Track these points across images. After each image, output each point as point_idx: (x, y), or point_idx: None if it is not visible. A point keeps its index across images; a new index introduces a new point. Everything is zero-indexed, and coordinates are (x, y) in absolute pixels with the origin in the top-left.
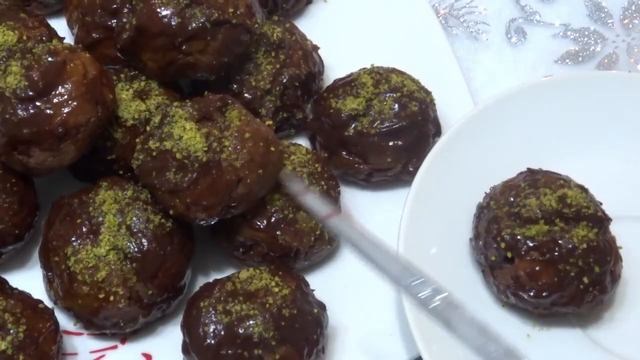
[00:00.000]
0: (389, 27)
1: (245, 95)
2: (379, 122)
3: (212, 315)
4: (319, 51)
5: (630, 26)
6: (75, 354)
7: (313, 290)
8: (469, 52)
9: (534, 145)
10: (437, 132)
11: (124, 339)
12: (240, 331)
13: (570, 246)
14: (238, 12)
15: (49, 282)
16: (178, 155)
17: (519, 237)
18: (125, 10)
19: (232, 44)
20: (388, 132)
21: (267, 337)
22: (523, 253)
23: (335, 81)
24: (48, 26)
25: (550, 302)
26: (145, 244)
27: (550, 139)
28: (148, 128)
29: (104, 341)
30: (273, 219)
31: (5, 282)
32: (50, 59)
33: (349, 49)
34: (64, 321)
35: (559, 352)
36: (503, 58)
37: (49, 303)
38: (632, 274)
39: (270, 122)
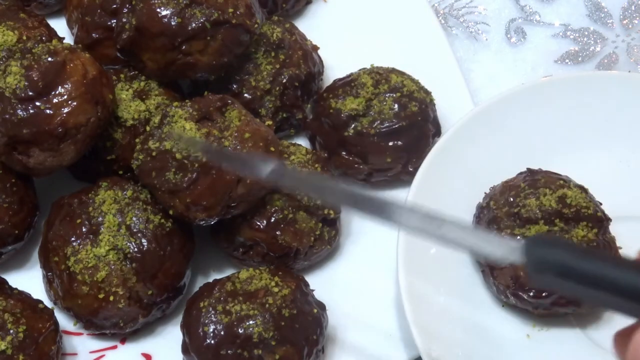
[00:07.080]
0: (388, 27)
1: (245, 95)
2: (378, 122)
3: (212, 315)
4: (319, 51)
5: (630, 26)
6: (75, 354)
7: (313, 290)
8: (469, 52)
9: (534, 145)
10: (437, 132)
11: (123, 339)
12: (240, 331)
13: None
14: (238, 12)
15: (48, 282)
16: (178, 156)
17: (518, 237)
18: (125, 10)
19: (232, 44)
20: (388, 132)
21: (267, 337)
22: None
23: (335, 81)
24: (48, 26)
25: (550, 302)
26: (145, 244)
27: (550, 139)
28: (148, 128)
29: (104, 341)
30: (273, 219)
31: (5, 282)
32: (50, 59)
33: (349, 49)
34: (64, 321)
35: (559, 352)
36: (503, 58)
37: (48, 303)
38: None
39: (270, 122)
